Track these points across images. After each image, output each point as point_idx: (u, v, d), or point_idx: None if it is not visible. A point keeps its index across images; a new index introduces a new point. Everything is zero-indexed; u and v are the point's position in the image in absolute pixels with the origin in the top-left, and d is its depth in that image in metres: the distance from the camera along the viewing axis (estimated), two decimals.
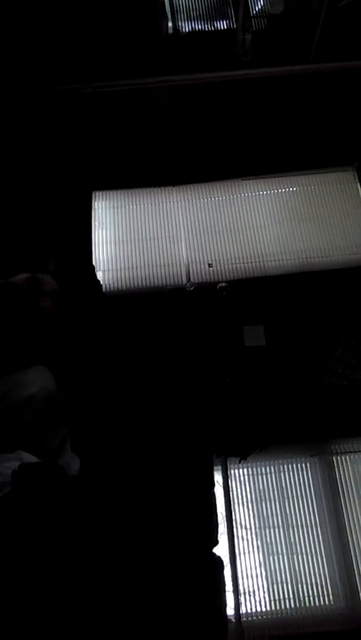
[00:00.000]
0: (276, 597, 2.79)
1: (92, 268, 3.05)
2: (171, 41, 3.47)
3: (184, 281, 3.49)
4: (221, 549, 2.50)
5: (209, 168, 3.73)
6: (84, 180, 3.61)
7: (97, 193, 3.62)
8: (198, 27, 3.56)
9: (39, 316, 1.97)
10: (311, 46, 3.34)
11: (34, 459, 1.61)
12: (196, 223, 3.64)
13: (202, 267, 3.54)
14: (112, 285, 3.44)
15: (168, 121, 3.53)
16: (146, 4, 3.35)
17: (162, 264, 3.51)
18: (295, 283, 3.53)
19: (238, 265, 3.54)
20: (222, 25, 3.60)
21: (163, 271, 3.49)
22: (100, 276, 3.45)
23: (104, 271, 3.48)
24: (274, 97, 3.49)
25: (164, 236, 3.57)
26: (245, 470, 3.04)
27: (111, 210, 3.62)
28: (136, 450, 2.14)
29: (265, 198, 3.75)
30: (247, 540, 2.90)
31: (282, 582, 2.83)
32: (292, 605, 2.78)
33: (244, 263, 3.54)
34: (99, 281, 2.98)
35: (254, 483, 3.05)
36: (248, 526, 2.93)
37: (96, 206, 3.59)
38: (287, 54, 3.41)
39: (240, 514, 2.95)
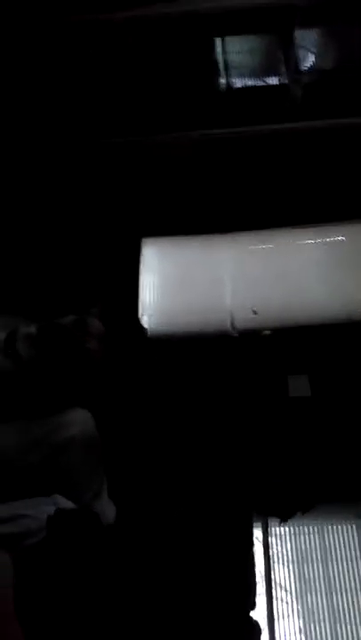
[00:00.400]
0: None
1: (137, 315, 3.10)
2: (224, 96, 3.61)
3: (228, 327, 3.48)
4: (259, 612, 2.37)
5: (257, 217, 3.77)
6: (134, 227, 3.72)
7: (146, 239, 3.71)
8: (250, 83, 3.68)
9: (84, 357, 2.01)
10: None
11: (70, 504, 1.61)
12: (243, 270, 3.66)
13: (246, 314, 3.52)
14: (156, 330, 3.47)
15: (219, 172, 3.63)
16: (201, 62, 3.52)
17: (206, 309, 3.52)
18: (342, 332, 3.45)
19: (284, 313, 3.50)
20: (274, 80, 3.72)
21: (207, 317, 3.50)
22: (145, 320, 3.49)
23: (150, 315, 3.52)
24: (323, 148, 3.53)
25: (209, 281, 3.60)
26: (287, 529, 2.90)
27: (159, 256, 3.70)
28: (173, 501, 2.10)
29: (313, 247, 3.74)
30: (287, 602, 2.74)
31: None
32: None
33: (289, 311, 3.50)
34: (143, 328, 3.03)
35: (296, 542, 2.90)
36: (288, 588, 2.77)
37: (145, 252, 3.68)
38: (338, 107, 3.47)
39: (280, 574, 2.79)
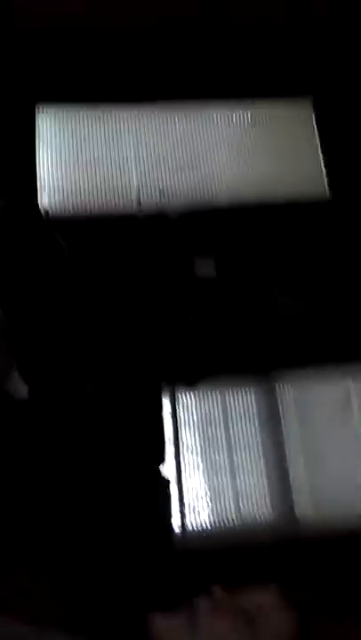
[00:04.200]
0: (219, 512, 2.96)
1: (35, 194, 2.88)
2: None
3: (134, 208, 3.37)
4: (168, 469, 2.60)
5: (163, 86, 3.53)
6: (27, 91, 3.32)
7: (41, 105, 3.34)
8: None
9: None
10: None
11: None
12: (149, 146, 3.48)
13: (153, 193, 3.42)
14: (58, 210, 3.27)
15: (121, 31, 3.27)
16: None
17: (111, 188, 3.36)
18: (247, 215, 3.50)
19: (191, 194, 3.45)
20: None
21: (112, 196, 3.35)
22: (45, 199, 3.27)
23: (49, 195, 3.29)
24: (236, 17, 3.29)
25: (113, 157, 3.40)
26: (192, 397, 3.11)
27: (57, 126, 3.38)
28: (84, 375, 2.13)
29: (220, 123, 3.62)
30: (193, 460, 3.02)
31: (224, 499, 2.99)
32: (234, 520, 2.96)
33: (196, 192, 3.45)
34: (42, 208, 2.83)
35: (201, 409, 3.13)
36: (194, 448, 3.04)
37: (40, 121, 3.34)
38: None
39: (186, 437, 3.04)
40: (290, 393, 3.23)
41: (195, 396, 3.10)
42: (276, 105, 3.72)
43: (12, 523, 1.29)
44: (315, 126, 3.74)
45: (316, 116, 3.75)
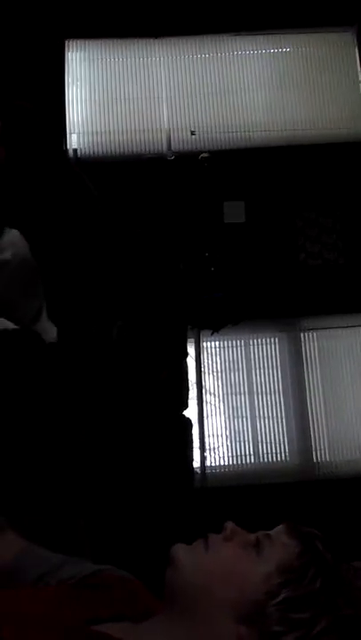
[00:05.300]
0: (238, 454, 3.09)
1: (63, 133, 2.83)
2: None
3: (164, 148, 3.30)
4: (191, 412, 2.70)
5: (196, 19, 3.33)
6: (56, 27, 3.19)
7: (70, 42, 3.23)
8: None
9: None
10: None
11: (10, 325, 1.63)
12: (180, 83, 3.35)
13: (184, 134, 3.32)
14: (87, 150, 3.23)
15: None
16: None
17: (141, 129, 3.28)
18: (279, 156, 3.38)
19: (222, 134, 3.34)
20: None
21: (142, 137, 3.28)
22: (74, 139, 3.22)
23: (78, 134, 3.24)
24: None
25: (144, 96, 3.29)
26: (217, 343, 3.17)
27: (86, 63, 3.27)
28: (112, 318, 2.19)
29: (256, 58, 3.44)
30: (214, 404, 3.12)
31: (244, 441, 3.11)
32: (252, 461, 3.09)
33: (228, 132, 3.34)
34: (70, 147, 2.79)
35: (224, 355, 3.20)
36: (216, 393, 3.13)
37: (69, 58, 3.23)
38: None
39: (209, 382, 3.13)
40: (314, 340, 3.25)
41: (219, 341, 3.15)
42: (316, 35, 3.49)
43: (36, 463, 1.39)
44: (357, 59, 3.51)
45: (359, 48, 3.51)
